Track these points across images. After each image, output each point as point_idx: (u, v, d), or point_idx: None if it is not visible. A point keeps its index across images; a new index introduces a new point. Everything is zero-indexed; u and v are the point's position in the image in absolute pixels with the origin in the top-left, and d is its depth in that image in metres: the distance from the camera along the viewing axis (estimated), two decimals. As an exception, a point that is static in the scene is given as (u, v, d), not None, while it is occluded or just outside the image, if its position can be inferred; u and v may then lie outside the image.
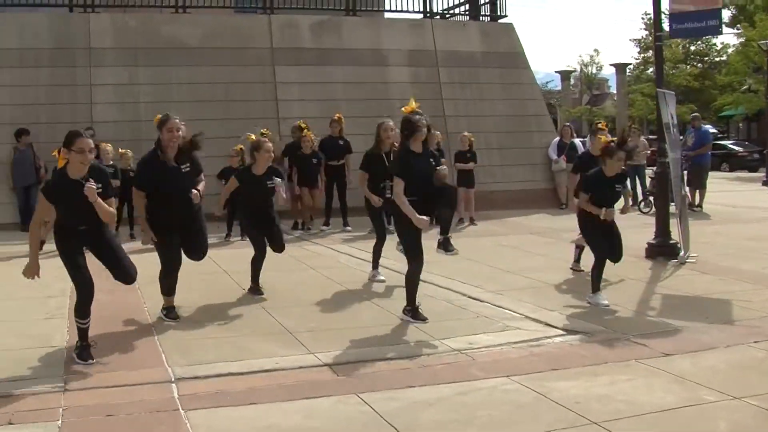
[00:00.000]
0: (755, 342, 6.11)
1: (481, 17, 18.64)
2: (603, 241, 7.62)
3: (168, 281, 7.18)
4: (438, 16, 18.60)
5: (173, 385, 5.28)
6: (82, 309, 5.90)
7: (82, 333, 5.89)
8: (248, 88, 15.62)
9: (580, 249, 9.19)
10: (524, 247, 11.36)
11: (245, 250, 9.39)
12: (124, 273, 6.19)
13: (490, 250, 11.26)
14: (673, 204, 10.34)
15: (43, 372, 5.54)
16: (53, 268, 7.46)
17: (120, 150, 12.69)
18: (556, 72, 61.88)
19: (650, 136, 29.94)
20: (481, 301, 7.75)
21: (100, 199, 5.75)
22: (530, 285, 8.69)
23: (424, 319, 6.85)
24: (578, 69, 59.48)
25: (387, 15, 18.45)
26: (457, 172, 14.41)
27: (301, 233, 13.26)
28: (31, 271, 5.89)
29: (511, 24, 18.12)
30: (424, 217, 6.63)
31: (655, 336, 6.37)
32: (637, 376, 5.32)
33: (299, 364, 5.72)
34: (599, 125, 8.97)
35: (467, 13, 19.07)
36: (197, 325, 6.94)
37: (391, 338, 6.44)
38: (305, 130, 13.38)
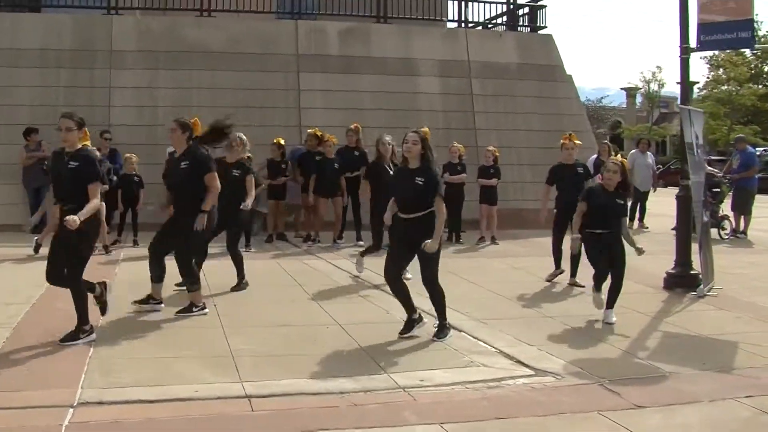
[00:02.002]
0: (746, 396, 5.26)
1: (519, 28, 17.89)
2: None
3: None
4: (479, 27, 17.93)
5: (70, 410, 4.77)
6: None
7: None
8: (271, 95, 15.19)
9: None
10: (538, 271, 10.51)
11: (223, 262, 8.99)
12: None
13: (499, 274, 10.54)
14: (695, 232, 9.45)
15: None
16: (36, 273, 7.16)
17: (126, 154, 12.40)
18: (621, 89, 60.29)
19: (712, 157, 28.22)
20: (459, 330, 7.04)
21: None
22: (523, 315, 7.97)
23: None
24: (642, 86, 57.57)
25: (419, 23, 17.79)
26: (479, 188, 13.74)
27: (309, 246, 12.73)
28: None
29: (550, 35, 17.31)
30: None
31: (634, 383, 5.59)
32: (591, 433, 4.59)
33: (219, 393, 5.15)
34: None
35: (505, 23, 18.31)
36: (140, 342, 6.45)
37: (338, 368, 5.80)
38: (326, 135, 13.07)
